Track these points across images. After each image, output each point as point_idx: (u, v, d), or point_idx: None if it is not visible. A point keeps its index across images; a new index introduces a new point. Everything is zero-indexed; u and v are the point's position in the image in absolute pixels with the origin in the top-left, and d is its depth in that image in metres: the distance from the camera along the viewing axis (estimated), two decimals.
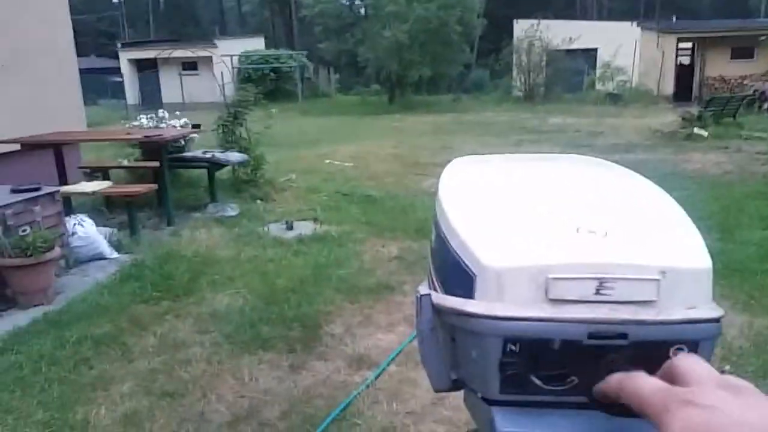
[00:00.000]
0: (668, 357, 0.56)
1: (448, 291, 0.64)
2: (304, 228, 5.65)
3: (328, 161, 9.58)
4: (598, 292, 0.57)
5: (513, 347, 0.57)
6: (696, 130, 11.65)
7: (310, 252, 4.93)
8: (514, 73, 22.97)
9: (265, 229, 5.63)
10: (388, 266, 4.60)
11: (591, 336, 0.56)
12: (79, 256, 4.69)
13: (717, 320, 0.58)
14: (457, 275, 0.62)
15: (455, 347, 0.65)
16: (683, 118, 12.53)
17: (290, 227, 5.63)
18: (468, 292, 0.60)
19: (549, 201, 0.68)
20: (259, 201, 6.77)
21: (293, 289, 4.05)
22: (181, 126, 7.50)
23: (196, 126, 7.29)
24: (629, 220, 0.64)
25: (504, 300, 0.58)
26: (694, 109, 13.40)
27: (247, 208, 6.44)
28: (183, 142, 7.21)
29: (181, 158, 6.85)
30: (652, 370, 0.56)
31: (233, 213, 6.24)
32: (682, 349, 0.57)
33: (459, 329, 0.62)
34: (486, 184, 0.76)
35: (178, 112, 8.14)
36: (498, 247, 0.60)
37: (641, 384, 0.47)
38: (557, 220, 0.63)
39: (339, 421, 2.64)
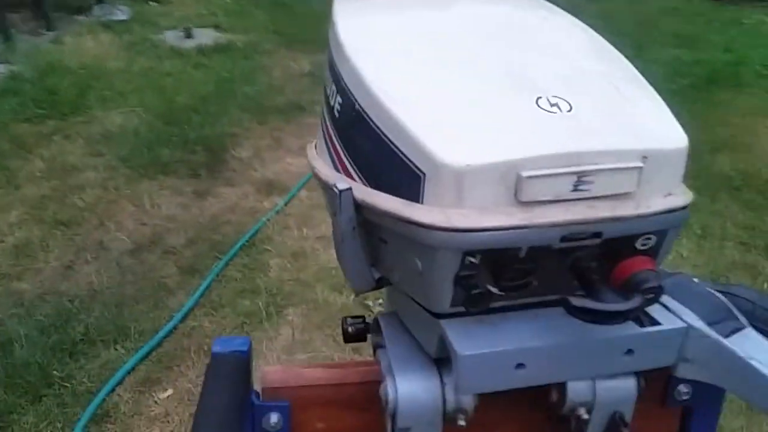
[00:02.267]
0: (635, 249, 0.50)
1: (379, 185, 0.51)
2: (205, 36, 5.15)
3: None
4: (575, 189, 0.46)
5: (472, 259, 0.47)
6: None
7: (213, 65, 4.55)
8: None
9: (161, 36, 5.09)
10: (299, 83, 4.33)
11: (564, 239, 0.48)
12: None
13: (686, 207, 0.51)
14: (392, 169, 0.49)
15: (386, 250, 0.54)
16: None
17: (189, 35, 5.11)
18: (411, 193, 0.48)
19: (488, 58, 0.54)
20: (152, 2, 6.06)
21: (195, 108, 3.77)
22: None
23: None
24: (588, 86, 0.51)
25: (464, 205, 0.46)
26: None
27: (138, 10, 5.76)
28: None
29: None
30: (615, 262, 0.50)
31: (123, 17, 5.57)
32: (649, 239, 0.50)
33: (397, 235, 0.50)
34: (403, 34, 0.59)
35: None
36: (454, 137, 0.46)
37: None
38: (510, 89, 0.49)
39: (248, 248, 2.60)
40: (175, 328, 2.17)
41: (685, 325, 0.54)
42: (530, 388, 0.55)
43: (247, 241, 2.62)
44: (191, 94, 3.99)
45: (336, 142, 0.57)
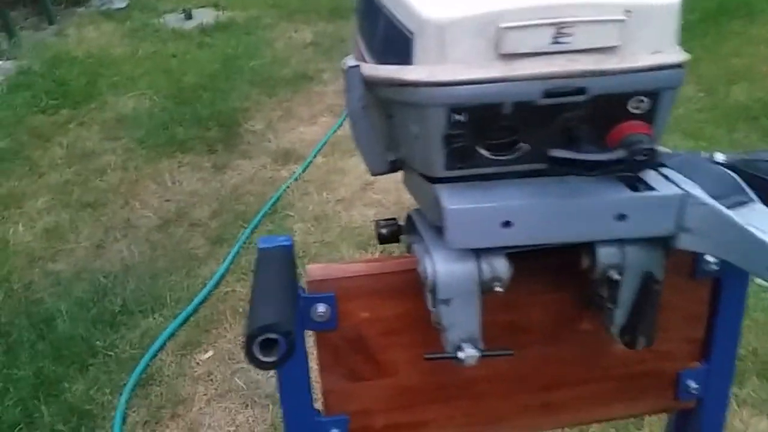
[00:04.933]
0: (627, 111, 0.51)
1: (381, 60, 0.55)
2: (205, 16, 5.14)
3: None
4: (555, 41, 0.49)
5: (459, 117, 0.50)
6: None
7: (216, 43, 4.55)
8: None
9: (161, 20, 5.10)
10: (303, 53, 4.34)
11: (547, 94, 0.49)
12: None
13: (681, 66, 0.51)
14: (390, 39, 0.52)
15: (392, 125, 0.57)
16: None
17: (189, 16, 5.10)
18: (405, 58, 0.51)
19: None
20: None
21: (204, 86, 3.80)
22: None
23: None
24: None
25: (447, 60, 0.49)
26: None
27: None
28: None
29: None
30: (608, 127, 0.51)
31: (122, 4, 5.56)
32: (642, 102, 0.51)
33: (396, 103, 0.54)
34: None
35: None
36: None
37: None
38: None
39: (271, 215, 2.65)
40: (209, 294, 2.23)
41: (681, 192, 0.53)
42: (563, 256, 0.58)
43: (269, 209, 2.67)
44: (198, 73, 4.01)
45: (356, 32, 0.61)
